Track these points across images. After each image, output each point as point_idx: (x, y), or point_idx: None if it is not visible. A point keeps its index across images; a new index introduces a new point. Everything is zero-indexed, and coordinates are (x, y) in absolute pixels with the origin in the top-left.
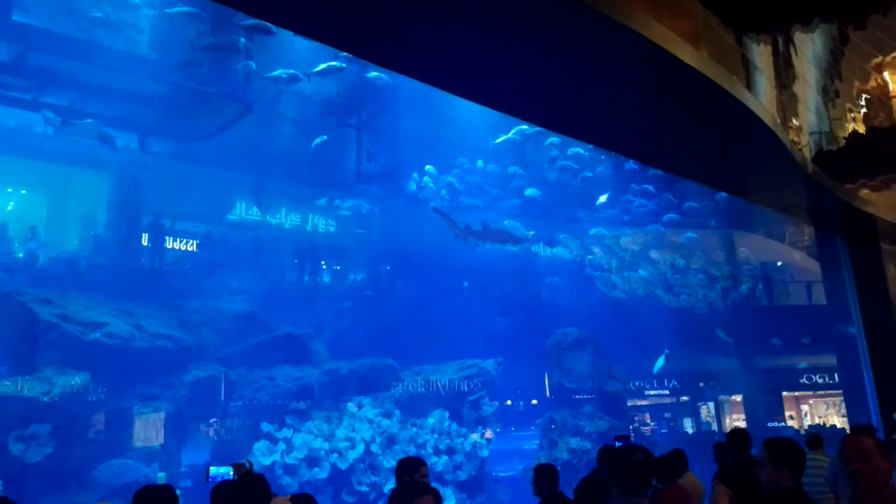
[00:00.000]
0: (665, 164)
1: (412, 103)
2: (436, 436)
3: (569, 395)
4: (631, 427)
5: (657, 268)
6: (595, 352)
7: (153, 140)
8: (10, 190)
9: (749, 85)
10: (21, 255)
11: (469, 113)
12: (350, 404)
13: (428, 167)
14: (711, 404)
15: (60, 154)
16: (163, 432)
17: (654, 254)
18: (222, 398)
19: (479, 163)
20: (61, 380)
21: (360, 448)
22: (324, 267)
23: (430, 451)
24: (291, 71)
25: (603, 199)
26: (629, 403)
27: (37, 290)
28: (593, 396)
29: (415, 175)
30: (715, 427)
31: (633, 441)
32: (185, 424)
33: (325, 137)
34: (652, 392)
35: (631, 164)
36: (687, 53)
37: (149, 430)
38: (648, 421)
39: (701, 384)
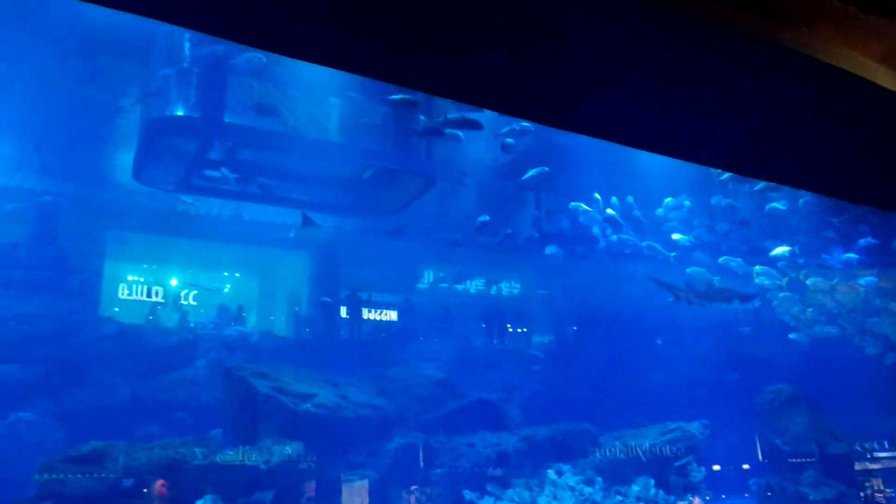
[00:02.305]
0: (868, 199)
1: (591, 159)
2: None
3: (784, 458)
4: (863, 494)
5: (856, 314)
6: (811, 409)
7: (346, 219)
8: (225, 273)
9: None
10: (237, 334)
11: (649, 163)
12: (549, 471)
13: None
14: None
15: (267, 238)
16: (368, 499)
17: (849, 297)
18: (424, 465)
19: (659, 211)
20: (278, 449)
21: None
22: (510, 330)
23: None
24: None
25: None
26: (857, 467)
27: (253, 364)
28: (814, 460)
29: (595, 230)
30: None
31: None
32: (389, 491)
33: (487, 217)
34: (884, 454)
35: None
36: (887, 78)
37: (357, 497)
38: (882, 487)
39: None
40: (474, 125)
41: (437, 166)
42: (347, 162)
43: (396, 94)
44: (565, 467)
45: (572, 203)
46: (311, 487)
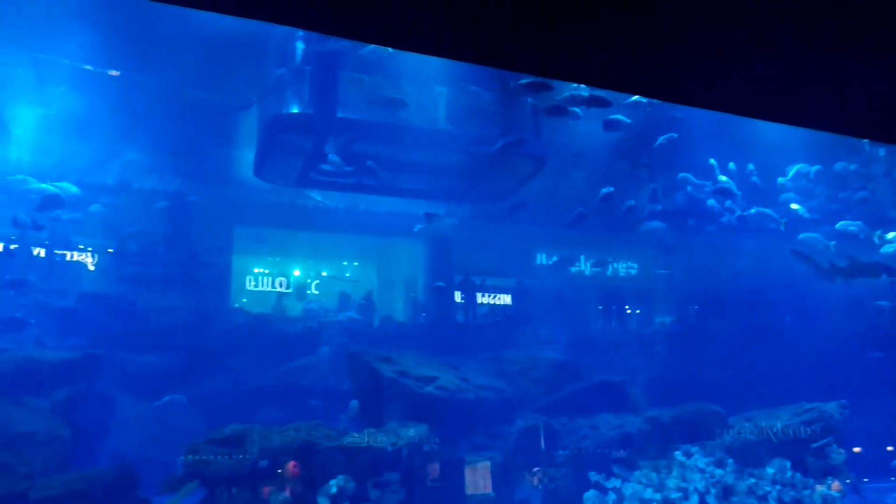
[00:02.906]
0: None
1: (706, 134)
2: (778, 487)
3: None
4: None
5: None
6: None
7: (457, 205)
8: (344, 263)
9: None
10: (358, 320)
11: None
12: (678, 453)
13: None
14: None
15: (383, 227)
16: (495, 480)
17: None
18: (547, 447)
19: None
20: (404, 431)
21: (695, 499)
22: (628, 311)
23: (772, 503)
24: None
25: None
26: None
27: (376, 349)
28: None
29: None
30: None
31: None
32: (512, 473)
33: (612, 188)
34: None
35: None
36: None
37: (481, 478)
38: None
39: None
40: (603, 102)
41: (547, 147)
42: (457, 149)
43: (509, 78)
44: (694, 449)
45: (681, 174)
46: (435, 468)
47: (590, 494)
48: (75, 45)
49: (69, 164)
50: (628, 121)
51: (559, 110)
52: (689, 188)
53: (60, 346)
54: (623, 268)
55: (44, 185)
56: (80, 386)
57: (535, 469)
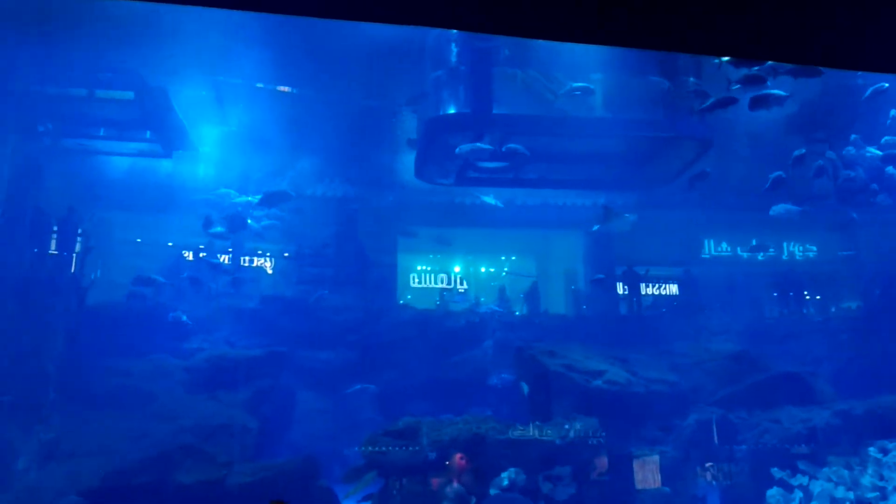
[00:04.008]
0: None
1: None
2: None
3: None
4: None
5: None
6: None
7: (618, 194)
8: (503, 258)
9: None
10: (519, 313)
11: None
12: (872, 449)
13: None
14: None
15: (541, 221)
16: (665, 476)
17: None
18: (722, 442)
19: None
20: (573, 425)
21: (894, 499)
22: (807, 297)
23: None
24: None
25: None
26: None
27: (541, 343)
28: None
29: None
30: None
31: None
32: (683, 468)
33: (782, 173)
34: None
35: None
36: None
37: (649, 473)
38: None
39: None
40: (761, 80)
41: (712, 129)
42: (616, 136)
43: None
44: (891, 445)
45: (866, 147)
46: (603, 462)
47: (773, 492)
48: (248, 66)
49: (249, 176)
50: (784, 94)
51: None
52: (871, 159)
53: (247, 344)
54: (800, 250)
55: (245, 198)
56: (266, 381)
57: (708, 464)
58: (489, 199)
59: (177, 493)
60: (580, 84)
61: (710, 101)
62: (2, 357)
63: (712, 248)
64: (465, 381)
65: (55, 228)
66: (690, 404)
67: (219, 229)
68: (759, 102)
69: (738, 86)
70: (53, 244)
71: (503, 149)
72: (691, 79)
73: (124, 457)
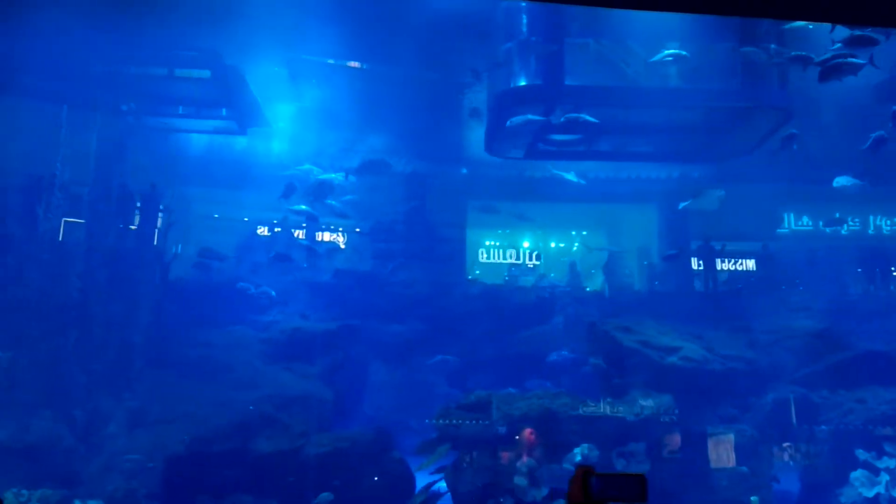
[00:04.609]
0: None
1: None
2: None
3: None
4: None
5: None
6: None
7: (693, 166)
8: (573, 233)
9: None
10: (590, 289)
11: None
12: None
13: None
14: None
15: (612, 195)
16: (742, 455)
17: None
18: (803, 421)
19: None
20: (647, 402)
21: None
22: (894, 273)
23: None
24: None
25: None
26: None
27: (615, 319)
28: None
29: None
30: None
31: None
32: (760, 447)
33: (883, 133)
34: None
35: None
36: None
37: (723, 451)
38: None
39: None
40: (871, 41)
41: (793, 97)
42: (692, 107)
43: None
44: None
45: None
46: (676, 440)
47: (857, 474)
48: (320, 42)
49: (322, 152)
50: (861, 61)
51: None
52: None
53: (321, 318)
54: (887, 224)
55: (326, 175)
56: (339, 354)
57: (786, 444)
58: (570, 176)
59: (256, 462)
60: (672, 51)
61: (834, 60)
62: (92, 328)
63: (792, 221)
64: (533, 356)
65: (138, 204)
66: (769, 382)
67: (301, 207)
68: (832, 72)
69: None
70: (137, 219)
71: (563, 119)
72: (772, 45)
73: (206, 424)
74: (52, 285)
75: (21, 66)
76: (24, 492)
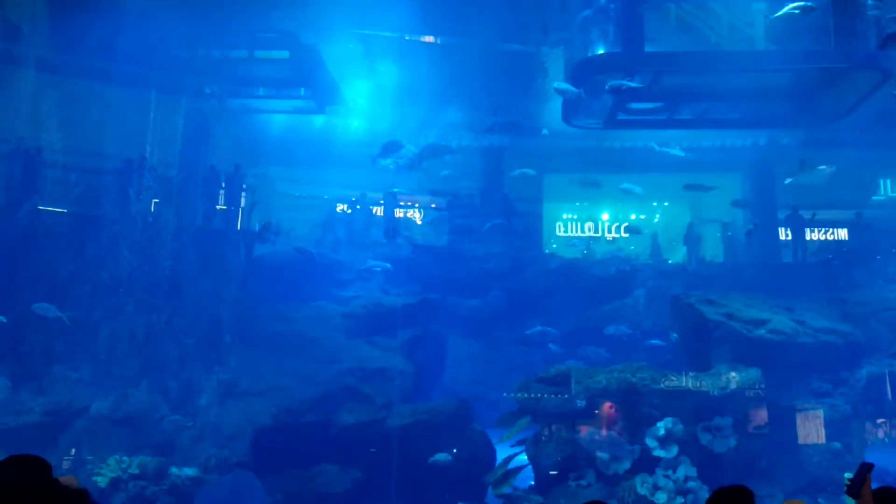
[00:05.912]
0: None
1: None
2: None
3: None
4: None
5: None
6: None
7: (781, 132)
8: (655, 203)
9: None
10: (672, 261)
11: None
12: None
13: None
14: None
15: (695, 163)
16: (833, 431)
17: None
18: None
19: None
20: (734, 375)
21: None
22: None
23: None
24: None
25: None
26: None
27: (699, 291)
28: None
29: None
30: None
31: None
32: (852, 423)
33: None
34: None
35: None
36: None
37: (812, 426)
38: None
39: None
40: None
41: (891, 57)
42: (780, 70)
43: None
44: None
45: None
46: (762, 415)
47: None
48: (395, 18)
49: (400, 128)
50: None
51: None
52: None
53: (401, 292)
54: None
55: (410, 147)
56: (419, 327)
57: (880, 420)
58: (675, 151)
59: (340, 433)
60: (799, 2)
61: None
62: (185, 303)
63: (889, 188)
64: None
65: (223, 184)
66: (863, 357)
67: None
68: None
69: None
70: (222, 199)
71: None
72: (869, 1)
73: (292, 396)
74: (144, 264)
75: (112, 55)
76: (126, 458)
